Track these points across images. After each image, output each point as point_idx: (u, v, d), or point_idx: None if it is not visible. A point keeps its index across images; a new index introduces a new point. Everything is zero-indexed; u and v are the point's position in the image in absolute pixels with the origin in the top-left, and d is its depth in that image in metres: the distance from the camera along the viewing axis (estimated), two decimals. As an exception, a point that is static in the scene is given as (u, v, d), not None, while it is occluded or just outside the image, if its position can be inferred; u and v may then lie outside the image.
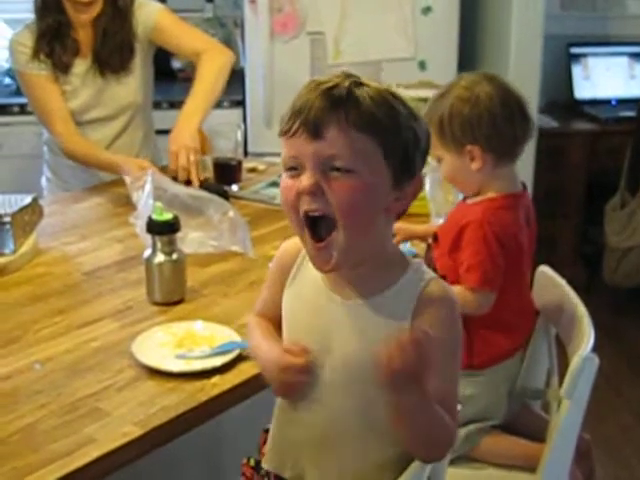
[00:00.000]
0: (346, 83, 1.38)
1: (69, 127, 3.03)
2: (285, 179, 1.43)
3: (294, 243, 1.55)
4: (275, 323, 1.62)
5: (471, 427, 2.10)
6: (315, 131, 1.36)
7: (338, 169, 1.37)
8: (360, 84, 1.39)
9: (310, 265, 1.50)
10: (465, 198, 2.17)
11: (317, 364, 1.49)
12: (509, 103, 2.06)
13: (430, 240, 2.25)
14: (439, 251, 2.16)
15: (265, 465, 1.64)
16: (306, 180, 1.38)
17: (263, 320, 1.65)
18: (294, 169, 1.41)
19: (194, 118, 2.93)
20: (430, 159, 2.17)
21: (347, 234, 1.39)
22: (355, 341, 1.46)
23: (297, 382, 1.51)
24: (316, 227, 1.42)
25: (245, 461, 1.69)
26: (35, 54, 2.98)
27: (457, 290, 2.05)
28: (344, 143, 1.36)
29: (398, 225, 2.31)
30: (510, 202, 2.11)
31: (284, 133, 1.41)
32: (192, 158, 2.83)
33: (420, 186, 1.46)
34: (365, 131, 1.36)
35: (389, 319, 1.44)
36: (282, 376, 1.51)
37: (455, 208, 2.22)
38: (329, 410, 1.50)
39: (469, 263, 2.06)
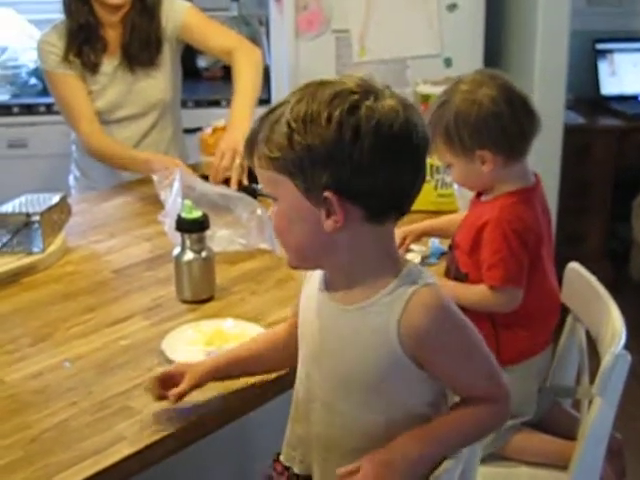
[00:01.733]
0: (261, 124, 1.43)
1: (94, 127, 3.04)
2: None
3: None
4: None
5: (502, 425, 2.09)
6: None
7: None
8: (272, 114, 1.41)
9: None
10: (479, 195, 2.17)
11: (315, 363, 1.52)
12: (512, 101, 2.04)
13: (450, 242, 2.24)
14: (460, 252, 2.15)
15: (282, 459, 1.65)
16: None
17: (272, 331, 1.76)
18: None
19: (244, 122, 2.90)
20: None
21: (286, 250, 1.49)
22: (341, 347, 1.47)
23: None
24: None
25: (275, 457, 1.69)
26: (64, 54, 3.00)
27: (480, 289, 2.04)
28: (262, 180, 1.45)
29: (405, 229, 2.32)
30: (525, 196, 2.09)
31: None
32: (237, 161, 2.82)
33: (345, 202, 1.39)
34: (266, 167, 1.41)
35: (372, 328, 1.43)
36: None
37: (471, 206, 2.20)
38: (327, 411, 1.51)
39: (490, 262, 2.05)
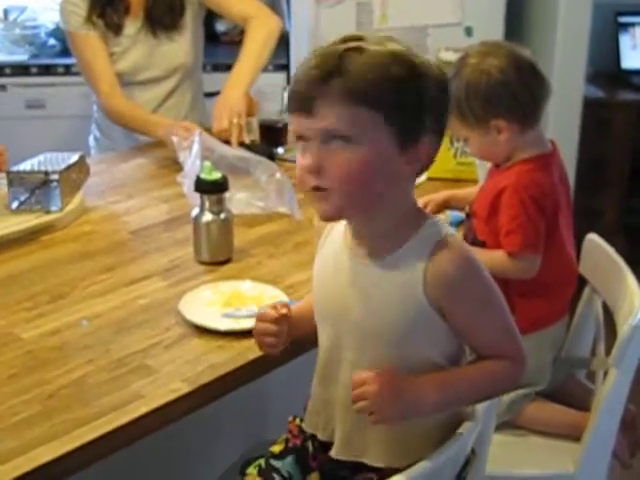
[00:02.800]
0: (338, 52, 1.35)
1: (114, 88, 3.04)
2: (297, 154, 1.44)
3: None
4: None
5: (516, 393, 2.09)
6: (307, 108, 1.36)
7: (338, 141, 1.36)
8: (355, 49, 1.36)
9: (338, 226, 1.53)
10: (497, 164, 2.16)
11: (340, 323, 1.51)
12: (520, 68, 2.05)
13: (467, 209, 2.23)
14: (477, 219, 2.14)
15: (304, 426, 1.66)
16: (307, 159, 1.39)
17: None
18: (302, 139, 1.41)
19: (241, 83, 2.94)
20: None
21: (348, 202, 1.39)
22: (365, 302, 1.46)
23: (266, 331, 1.61)
24: None
25: (291, 419, 1.71)
26: (87, 15, 3.00)
27: (498, 255, 2.04)
28: (338, 116, 1.35)
29: (427, 197, 2.32)
30: (542, 163, 2.10)
31: (287, 110, 1.43)
32: (234, 121, 2.82)
33: (436, 146, 1.43)
34: (357, 102, 1.34)
35: (396, 281, 1.43)
36: (256, 325, 1.63)
37: (488, 175, 2.21)
38: (354, 368, 1.49)
39: (508, 228, 2.05)
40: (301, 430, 1.67)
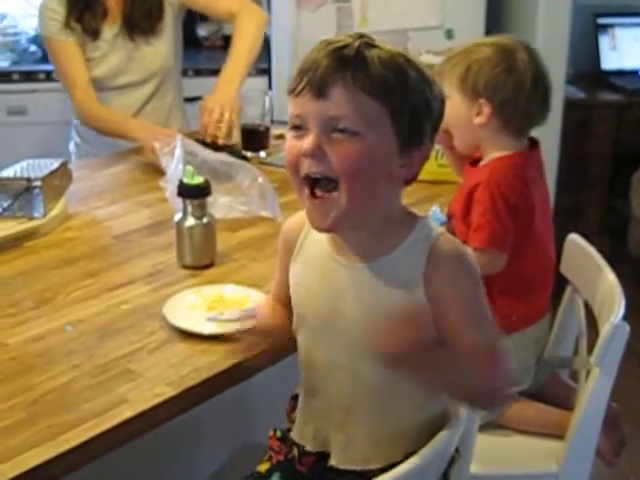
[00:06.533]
0: (356, 44, 1.35)
1: (89, 95, 3.04)
2: (290, 139, 1.42)
3: (296, 218, 1.57)
4: (287, 305, 1.64)
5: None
6: (320, 90, 1.35)
7: (342, 131, 1.35)
8: (372, 45, 1.37)
9: (315, 233, 1.50)
10: (474, 162, 2.17)
11: (331, 328, 1.50)
12: (538, 83, 2.06)
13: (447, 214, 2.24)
14: (455, 220, 2.15)
15: (292, 436, 1.65)
16: (308, 142, 1.37)
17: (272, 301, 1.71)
18: (298, 128, 1.39)
19: (234, 82, 2.94)
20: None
21: (349, 197, 1.38)
22: (361, 306, 1.46)
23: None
24: (316, 186, 1.40)
25: (272, 433, 1.70)
26: (65, 20, 3.00)
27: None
28: (350, 104, 1.34)
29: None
30: (518, 160, 2.10)
31: (290, 91, 1.40)
32: (226, 115, 2.83)
33: (428, 154, 1.44)
34: (372, 94, 1.34)
35: (396, 281, 1.43)
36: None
37: (465, 173, 2.21)
38: (351, 374, 1.50)
39: (477, 223, 2.05)
40: (282, 443, 1.67)
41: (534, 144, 2.16)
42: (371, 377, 1.48)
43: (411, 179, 1.45)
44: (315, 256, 1.53)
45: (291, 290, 1.59)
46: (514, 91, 2.04)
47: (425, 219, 1.48)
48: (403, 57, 1.38)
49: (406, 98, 1.37)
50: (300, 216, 1.52)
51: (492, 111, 2.06)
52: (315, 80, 1.35)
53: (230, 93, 2.90)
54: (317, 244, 1.53)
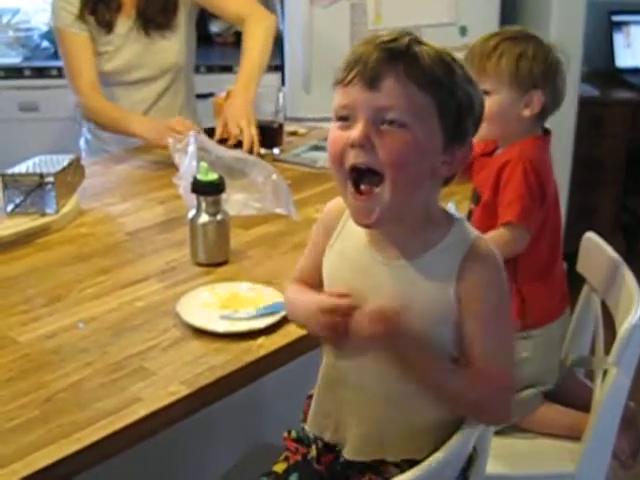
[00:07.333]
0: (406, 39, 1.36)
1: (94, 89, 3.03)
2: (334, 130, 1.40)
3: (338, 203, 1.53)
4: (315, 289, 1.60)
5: (526, 393, 2.09)
6: (371, 81, 1.34)
7: (391, 122, 1.35)
8: (419, 42, 1.37)
9: (350, 226, 1.49)
10: (491, 153, 2.15)
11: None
12: (564, 76, 2.08)
13: (471, 205, 2.21)
14: (479, 207, 2.12)
15: (307, 428, 1.64)
16: (357, 131, 1.35)
17: (300, 284, 1.64)
18: (345, 119, 1.38)
19: (250, 85, 2.94)
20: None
21: (393, 190, 1.37)
22: (404, 301, 1.43)
23: (340, 323, 1.44)
24: (360, 181, 1.39)
25: (286, 435, 1.69)
26: (79, 12, 2.99)
27: (493, 233, 2.01)
28: (400, 96, 1.34)
29: None
30: (541, 142, 2.11)
31: (339, 82, 1.39)
32: (245, 130, 2.84)
33: (469, 155, 1.44)
34: (422, 87, 1.34)
35: (432, 280, 1.42)
36: (325, 319, 1.44)
37: (482, 166, 2.18)
38: (374, 370, 1.49)
39: (510, 198, 2.03)
40: (298, 443, 1.66)
41: (546, 131, 2.15)
42: (389, 374, 1.46)
43: (450, 178, 1.45)
44: (352, 248, 1.52)
45: (324, 276, 1.57)
46: (561, 78, 2.06)
47: (462, 220, 1.48)
48: (449, 55, 1.39)
49: (453, 94, 1.37)
50: (341, 201, 1.49)
51: (544, 101, 2.05)
52: (366, 71, 1.35)
53: (247, 102, 2.90)
54: (354, 234, 1.51)
